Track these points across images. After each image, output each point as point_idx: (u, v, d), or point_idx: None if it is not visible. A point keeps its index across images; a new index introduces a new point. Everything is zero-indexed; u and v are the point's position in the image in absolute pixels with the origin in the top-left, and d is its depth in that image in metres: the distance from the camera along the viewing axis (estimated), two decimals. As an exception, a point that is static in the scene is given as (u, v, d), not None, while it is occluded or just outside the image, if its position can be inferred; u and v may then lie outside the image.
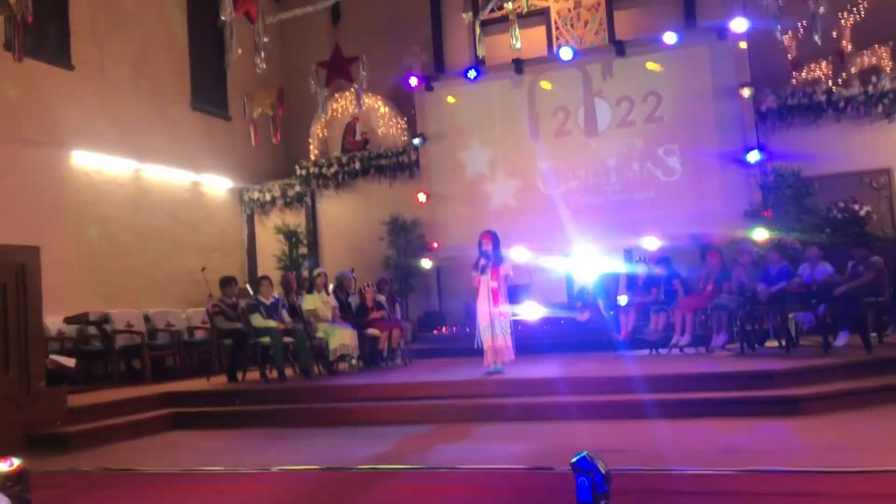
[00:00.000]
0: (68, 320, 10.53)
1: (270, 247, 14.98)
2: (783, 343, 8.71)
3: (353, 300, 10.83)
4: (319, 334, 9.85)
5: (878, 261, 8.12)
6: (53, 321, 10.45)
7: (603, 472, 3.37)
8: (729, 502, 3.85)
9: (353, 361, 9.98)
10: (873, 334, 8.54)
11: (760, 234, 11.38)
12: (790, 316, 8.88)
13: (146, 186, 13.13)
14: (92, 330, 10.87)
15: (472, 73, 13.91)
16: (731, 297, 9.16)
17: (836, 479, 4.16)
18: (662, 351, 9.73)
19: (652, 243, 12.15)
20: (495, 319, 8.20)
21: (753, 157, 12.13)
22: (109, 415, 7.80)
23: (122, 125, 12.60)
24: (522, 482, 4.69)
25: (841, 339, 8.41)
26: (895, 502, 3.66)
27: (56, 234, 11.19)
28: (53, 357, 8.22)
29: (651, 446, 5.41)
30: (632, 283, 10.81)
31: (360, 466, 5.35)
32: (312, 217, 15.22)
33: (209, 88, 14.79)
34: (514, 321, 8.93)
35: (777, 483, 4.16)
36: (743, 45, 12.39)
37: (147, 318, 11.44)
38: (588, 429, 6.31)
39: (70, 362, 8.30)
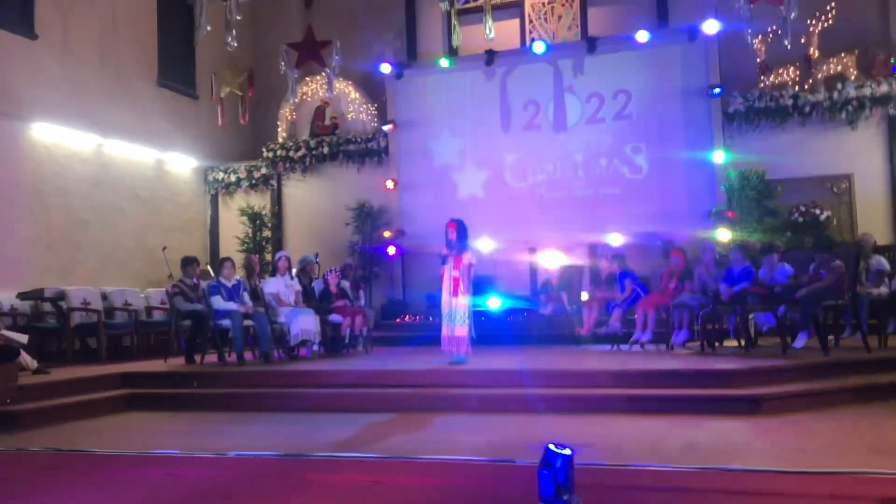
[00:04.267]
0: (22, 296, 10.28)
1: (234, 228, 14.78)
2: (742, 343, 8.81)
3: (317, 285, 10.74)
4: (281, 319, 9.73)
5: (840, 265, 8.24)
6: (7, 296, 10.22)
7: (565, 464, 3.36)
8: (689, 499, 3.87)
9: (315, 347, 9.89)
10: (830, 337, 8.68)
11: (723, 235, 11.51)
12: (750, 317, 9.00)
13: (108, 162, 12.84)
14: (47, 306, 10.63)
15: (444, 63, 13.84)
16: (692, 296, 9.24)
17: (793, 479, 4.20)
18: (624, 347, 9.80)
19: (616, 239, 12.22)
20: (454, 309, 8.18)
21: (719, 157, 12.25)
22: (62, 394, 7.61)
23: (86, 99, 12.29)
24: (483, 474, 4.67)
25: (799, 341, 8.54)
26: (849, 503, 3.70)
27: (12, 207, 10.93)
28: (4, 332, 7.98)
29: (612, 441, 5.42)
30: (595, 277, 10.86)
31: (317, 453, 5.29)
32: (278, 200, 15.03)
33: (177, 65, 14.50)
34: (477, 312, 8.89)
35: (736, 481, 4.20)
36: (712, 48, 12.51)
37: (104, 296, 11.20)
38: (550, 422, 6.31)
39: (22, 338, 8.05)
